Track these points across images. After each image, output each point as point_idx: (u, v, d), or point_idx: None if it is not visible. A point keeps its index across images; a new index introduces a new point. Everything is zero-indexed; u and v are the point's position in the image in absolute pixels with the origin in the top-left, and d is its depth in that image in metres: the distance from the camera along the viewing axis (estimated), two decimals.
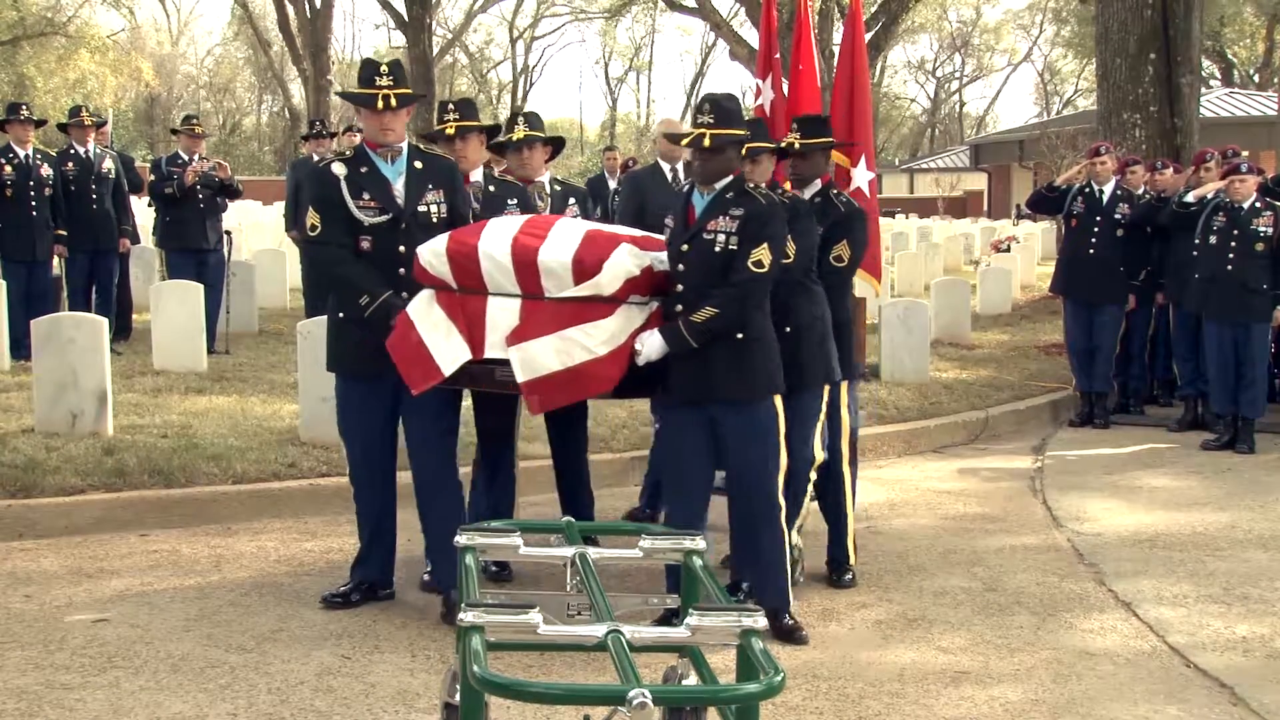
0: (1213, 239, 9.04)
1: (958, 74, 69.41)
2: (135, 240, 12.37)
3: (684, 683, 3.30)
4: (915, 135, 70.44)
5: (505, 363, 4.95)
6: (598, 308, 4.91)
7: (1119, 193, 9.68)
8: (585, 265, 4.89)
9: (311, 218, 5.21)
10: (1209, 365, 9.21)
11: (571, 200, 6.11)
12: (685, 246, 4.95)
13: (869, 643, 5.12)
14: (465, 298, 5.03)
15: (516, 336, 4.93)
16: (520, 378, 4.88)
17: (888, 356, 10.32)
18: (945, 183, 47.16)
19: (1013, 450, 9.04)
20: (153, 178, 11.34)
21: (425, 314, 5.05)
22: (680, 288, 4.95)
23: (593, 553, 3.47)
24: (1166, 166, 10.51)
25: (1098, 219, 9.61)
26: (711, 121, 4.92)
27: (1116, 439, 9.35)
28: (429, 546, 5.44)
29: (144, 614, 5.26)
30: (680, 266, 4.96)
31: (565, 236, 5.03)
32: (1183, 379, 9.82)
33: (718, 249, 4.88)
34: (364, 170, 5.19)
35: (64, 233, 10.69)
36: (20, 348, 9.61)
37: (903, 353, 10.33)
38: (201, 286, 10.32)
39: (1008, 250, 20.91)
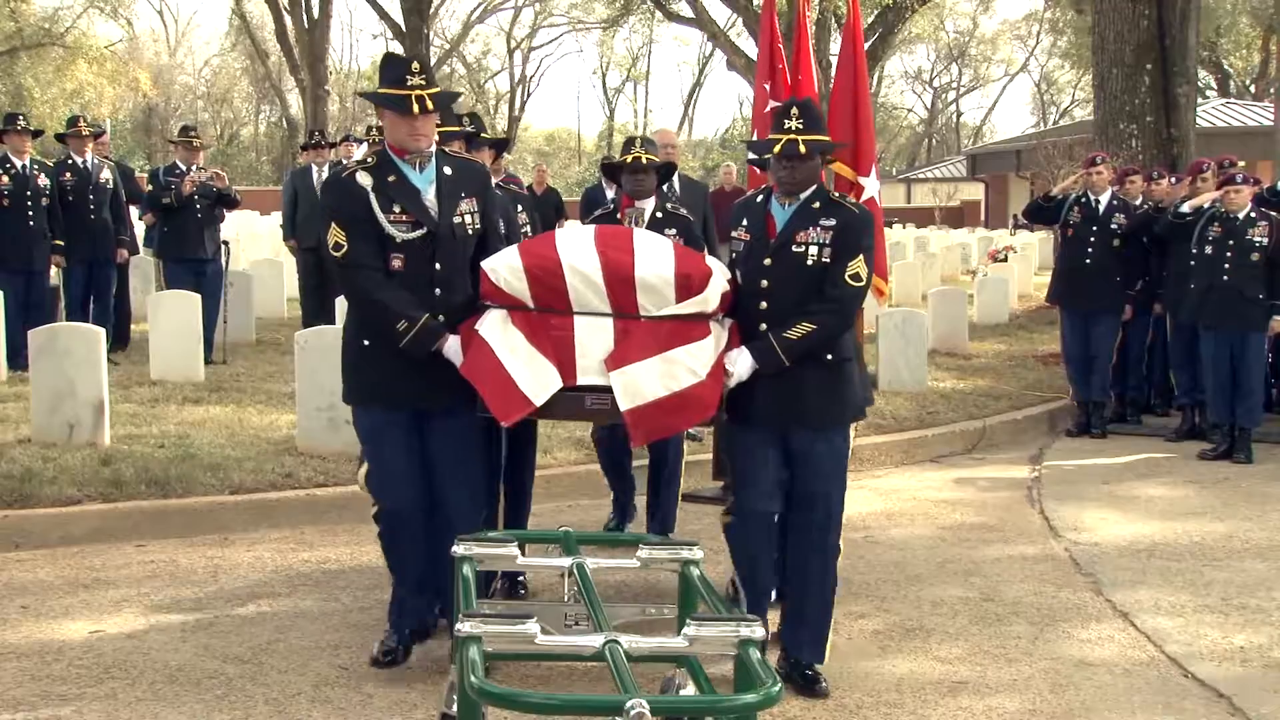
0: (1208, 249, 9.05)
1: (955, 84, 69.56)
2: (134, 250, 12.37)
3: (681, 693, 3.30)
4: (912, 145, 70.53)
5: (596, 389, 4.52)
6: (696, 326, 4.58)
7: (1115, 203, 9.70)
8: (691, 280, 4.57)
9: (335, 235, 4.53)
10: (1206, 375, 9.22)
11: (520, 207, 5.90)
12: (769, 260, 4.62)
13: (866, 653, 5.12)
14: (546, 317, 4.58)
15: (616, 361, 4.50)
16: (623, 405, 4.46)
17: (885, 366, 10.32)
18: (942, 192, 47.23)
19: (1010, 460, 9.03)
20: (150, 188, 11.37)
21: (501, 337, 4.52)
22: (764, 304, 4.62)
23: (590, 563, 3.48)
24: (1163, 176, 10.52)
25: (1094, 229, 9.62)
26: (801, 127, 4.56)
27: (1114, 448, 9.35)
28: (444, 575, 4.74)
29: (140, 625, 5.25)
30: (764, 282, 4.62)
31: (656, 250, 4.69)
32: (1180, 388, 9.83)
33: (809, 262, 4.56)
34: (392, 180, 4.56)
35: (61, 243, 10.70)
36: (17, 358, 9.61)
37: (900, 362, 10.34)
38: (199, 296, 10.33)
39: (1005, 260, 20.96)
